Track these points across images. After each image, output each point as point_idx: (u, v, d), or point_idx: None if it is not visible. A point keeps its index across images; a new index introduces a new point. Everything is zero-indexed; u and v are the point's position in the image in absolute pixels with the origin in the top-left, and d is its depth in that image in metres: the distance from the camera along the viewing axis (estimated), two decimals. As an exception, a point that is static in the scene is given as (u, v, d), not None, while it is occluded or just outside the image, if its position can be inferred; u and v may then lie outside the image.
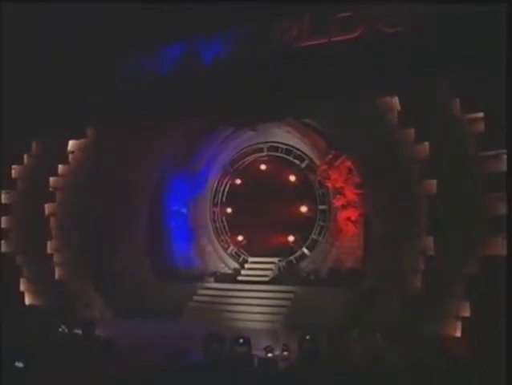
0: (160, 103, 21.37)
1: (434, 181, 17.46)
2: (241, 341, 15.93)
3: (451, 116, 17.49)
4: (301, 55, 19.47)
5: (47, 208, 23.36)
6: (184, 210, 25.35)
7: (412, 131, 18.15)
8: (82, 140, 23.72)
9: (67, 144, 23.67)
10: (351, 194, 22.06)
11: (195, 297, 23.05)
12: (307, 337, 16.23)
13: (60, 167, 23.60)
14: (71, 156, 23.71)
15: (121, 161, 23.50)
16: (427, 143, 17.73)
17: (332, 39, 18.99)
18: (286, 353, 16.56)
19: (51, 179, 23.44)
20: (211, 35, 20.88)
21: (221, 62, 20.58)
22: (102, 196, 23.28)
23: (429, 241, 17.57)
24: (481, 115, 16.94)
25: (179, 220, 25.36)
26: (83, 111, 22.51)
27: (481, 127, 16.93)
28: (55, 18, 21.92)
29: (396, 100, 18.62)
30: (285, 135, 23.96)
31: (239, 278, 23.70)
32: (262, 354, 16.36)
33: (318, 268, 23.00)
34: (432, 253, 17.50)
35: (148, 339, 18.26)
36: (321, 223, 23.55)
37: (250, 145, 25.04)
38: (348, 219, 22.14)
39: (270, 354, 16.33)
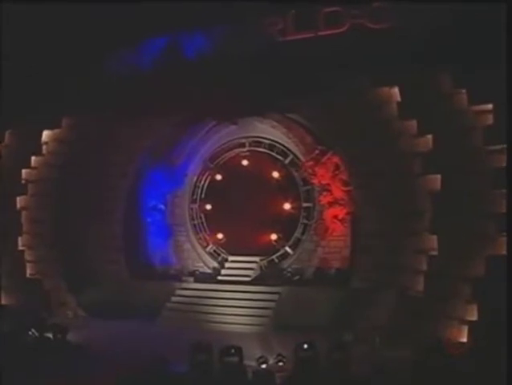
0: (139, 96, 19.97)
1: (438, 176, 16.09)
2: (232, 351, 13.65)
3: (457, 108, 16.14)
4: (286, 49, 18.17)
5: (19, 201, 22.17)
6: (161, 206, 23.65)
7: (413, 123, 16.72)
8: (56, 131, 22.29)
9: (40, 135, 22.26)
10: (338, 191, 20.43)
11: (173, 298, 21.28)
12: (305, 345, 14.01)
13: (33, 158, 22.29)
14: (44, 147, 22.37)
15: (97, 153, 21.99)
16: (430, 136, 16.33)
17: (319, 33, 17.65)
18: (281, 363, 14.33)
19: (24, 171, 22.27)
20: (194, 30, 19.67)
21: (203, 56, 19.33)
22: (76, 189, 21.84)
23: (432, 240, 16.13)
24: (489, 107, 15.52)
25: (156, 216, 23.60)
26: (57, 100, 20.96)
27: (489, 119, 15.51)
28: (32, 9, 20.09)
29: (395, 91, 17.23)
30: (268, 130, 22.25)
31: (220, 278, 21.95)
32: (254, 364, 14.15)
33: (302, 268, 21.36)
34: (435, 252, 16.07)
35: (123, 344, 16.62)
36: (305, 221, 21.80)
37: (232, 140, 23.24)
38: (335, 217, 20.49)
39: (263, 366, 14.09)
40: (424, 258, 16.22)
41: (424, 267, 16.18)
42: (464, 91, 15.85)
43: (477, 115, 15.72)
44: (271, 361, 14.31)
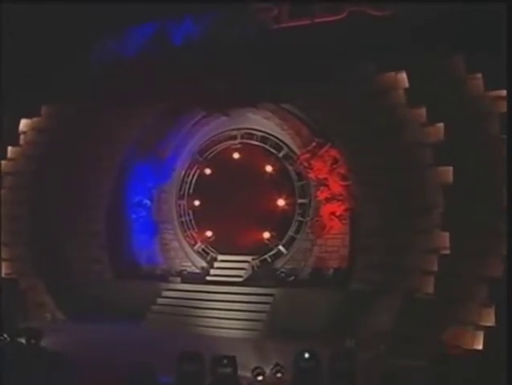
0: (124, 84, 19.28)
1: (450, 168, 14.89)
2: (225, 361, 12.09)
3: (471, 94, 14.98)
4: (281, 37, 17.41)
5: (-5, 194, 20.91)
6: (147, 201, 22.52)
7: (422, 111, 15.56)
8: (35, 119, 21.24)
9: (18, 124, 21.20)
10: (336, 186, 19.28)
11: (159, 300, 20.07)
12: (305, 354, 12.48)
13: (10, 149, 21.21)
14: (22, 137, 21.30)
15: (79, 144, 20.89)
16: (441, 125, 15.11)
17: (316, 20, 16.89)
18: (279, 375, 12.70)
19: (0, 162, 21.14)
20: (182, 15, 18.88)
21: (192, 42, 18.61)
22: (56, 183, 20.72)
23: (444, 238, 14.89)
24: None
25: (141, 213, 22.48)
26: (36, 87, 19.93)
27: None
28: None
29: (402, 76, 16.11)
30: (262, 121, 21.12)
31: (209, 278, 20.72)
32: (249, 376, 12.59)
33: (297, 268, 20.21)
34: (447, 251, 14.81)
35: (104, 351, 15.24)
36: (300, 218, 20.65)
37: (222, 132, 22.14)
38: (333, 214, 19.30)
39: (260, 378, 12.47)
40: (434, 257, 15.04)
41: (435, 267, 14.98)
42: (479, 75, 14.77)
43: (493, 101, 14.57)
44: (268, 372, 12.69)
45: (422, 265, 15.22)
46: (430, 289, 14.87)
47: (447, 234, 14.78)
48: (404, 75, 15.96)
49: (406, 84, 15.95)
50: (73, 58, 19.84)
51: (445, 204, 14.95)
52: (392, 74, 16.21)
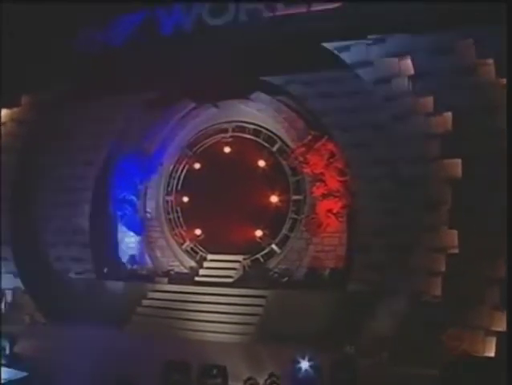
0: (109, 74, 18.75)
1: (458, 161, 14.17)
2: (214, 372, 11.06)
3: (482, 81, 14.17)
4: (274, 25, 16.71)
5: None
6: (132, 198, 21.90)
7: (429, 100, 14.75)
8: (14, 110, 20.62)
9: None
10: (333, 181, 18.69)
11: (144, 302, 19.39)
12: (303, 363, 11.46)
13: None
14: (2, 129, 20.55)
15: (60, 137, 20.59)
16: (449, 114, 14.33)
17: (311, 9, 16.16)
18: None
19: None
20: (171, 4, 18.27)
21: (181, 31, 17.90)
22: (36, 177, 20.55)
23: (452, 236, 14.08)
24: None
25: (126, 210, 21.89)
26: (16, 76, 19.12)
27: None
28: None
29: (406, 63, 15.26)
30: (254, 114, 20.61)
31: (197, 279, 20.07)
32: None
33: (291, 268, 19.60)
34: (455, 250, 14.00)
35: (84, 357, 14.10)
36: (294, 216, 20.08)
37: (213, 124, 21.55)
38: (329, 211, 18.68)
39: None
40: (442, 257, 14.21)
41: (442, 268, 14.15)
42: (490, 61, 13.92)
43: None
44: (262, 382, 11.61)
45: (428, 266, 14.40)
46: (437, 291, 14.08)
47: (455, 232, 14.02)
48: (408, 61, 15.16)
49: (411, 71, 15.17)
50: (56, 46, 19.18)
51: (453, 199, 14.17)
52: (395, 60, 15.38)
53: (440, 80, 14.43)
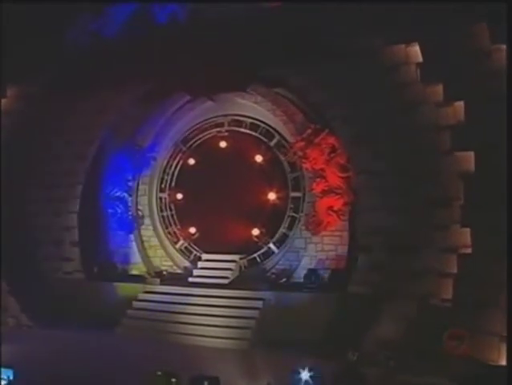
0: (100, 65, 18.44)
1: (470, 154, 13.51)
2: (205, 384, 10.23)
3: (495, 68, 13.44)
4: (271, 13, 16.64)
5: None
6: (124, 194, 21.28)
7: (439, 89, 14.15)
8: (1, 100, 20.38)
9: None
10: (334, 178, 17.97)
11: (135, 304, 18.80)
12: (304, 373, 10.61)
13: None
14: None
15: (49, 129, 20.13)
16: (460, 104, 13.67)
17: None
18: None
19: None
20: None
21: (175, 21, 17.95)
22: (23, 172, 19.84)
23: (464, 235, 13.49)
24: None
25: (118, 207, 21.26)
26: (1, 66, 18.78)
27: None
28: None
29: (414, 50, 14.78)
30: (251, 107, 20.03)
31: (191, 280, 19.52)
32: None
33: (290, 269, 19.00)
34: (467, 250, 13.35)
35: (70, 363, 13.75)
36: (293, 214, 19.54)
37: (208, 118, 21.08)
38: (330, 208, 17.98)
39: None
40: (453, 258, 13.62)
41: (454, 269, 13.52)
42: (504, 46, 13.10)
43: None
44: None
45: (438, 267, 13.80)
46: (448, 294, 13.44)
47: (468, 230, 13.39)
48: (416, 48, 14.68)
49: (419, 58, 14.68)
50: (46, 36, 18.89)
51: (466, 195, 13.58)
52: (403, 46, 14.96)
53: (450, 67, 13.71)
